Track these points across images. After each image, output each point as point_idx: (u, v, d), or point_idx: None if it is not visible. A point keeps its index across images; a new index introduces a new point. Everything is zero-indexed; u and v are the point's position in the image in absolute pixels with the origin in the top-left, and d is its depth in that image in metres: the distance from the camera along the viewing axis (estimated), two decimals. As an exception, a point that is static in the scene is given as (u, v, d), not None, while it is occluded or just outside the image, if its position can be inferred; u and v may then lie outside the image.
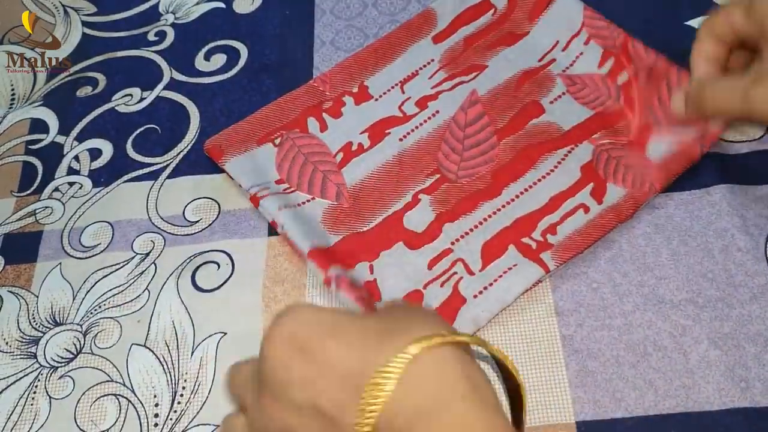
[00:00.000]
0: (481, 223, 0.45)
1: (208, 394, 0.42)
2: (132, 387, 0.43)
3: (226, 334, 0.44)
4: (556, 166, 0.46)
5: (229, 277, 0.46)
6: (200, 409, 0.41)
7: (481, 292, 0.42)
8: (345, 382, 0.28)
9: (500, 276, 0.42)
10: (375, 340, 0.28)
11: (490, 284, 0.42)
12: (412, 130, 0.49)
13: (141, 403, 0.42)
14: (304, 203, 0.47)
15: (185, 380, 0.42)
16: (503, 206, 0.45)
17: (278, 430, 0.30)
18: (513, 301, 0.42)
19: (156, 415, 0.42)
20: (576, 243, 0.43)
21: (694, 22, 0.52)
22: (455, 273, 0.43)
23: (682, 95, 0.44)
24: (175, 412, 0.42)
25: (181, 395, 0.42)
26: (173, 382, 0.42)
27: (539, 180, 0.46)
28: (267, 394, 0.31)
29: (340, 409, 0.28)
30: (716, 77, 0.43)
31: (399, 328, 0.29)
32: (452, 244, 0.44)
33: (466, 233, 0.45)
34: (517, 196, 0.46)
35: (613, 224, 0.44)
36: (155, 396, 0.42)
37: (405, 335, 0.28)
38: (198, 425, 0.41)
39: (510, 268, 0.43)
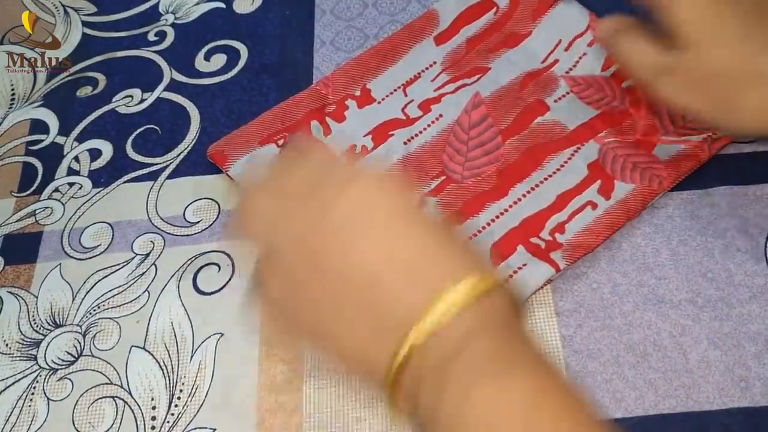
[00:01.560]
0: (488, 224, 0.45)
1: (206, 396, 0.42)
2: (129, 389, 0.43)
3: (223, 335, 0.44)
4: (562, 165, 0.46)
5: (230, 279, 0.46)
6: (197, 411, 0.41)
7: None
8: (412, 280, 0.28)
9: (510, 276, 0.42)
10: (439, 264, 0.28)
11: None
12: (417, 135, 0.49)
13: (138, 405, 0.42)
14: None
15: (183, 383, 0.42)
16: (510, 207, 0.45)
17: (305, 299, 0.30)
18: (524, 301, 0.42)
19: (153, 418, 0.42)
20: (586, 241, 0.43)
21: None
22: None
23: (612, 26, 0.41)
24: (173, 414, 0.41)
25: (179, 398, 0.42)
26: (171, 384, 0.42)
27: (546, 179, 0.46)
28: (318, 234, 0.30)
29: (402, 306, 0.28)
30: (640, 37, 0.40)
31: (453, 259, 0.29)
32: None
33: (474, 235, 0.44)
34: (524, 196, 0.45)
35: (622, 221, 0.43)
36: (152, 399, 0.42)
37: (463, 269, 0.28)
38: (195, 428, 0.41)
39: (520, 268, 0.42)
